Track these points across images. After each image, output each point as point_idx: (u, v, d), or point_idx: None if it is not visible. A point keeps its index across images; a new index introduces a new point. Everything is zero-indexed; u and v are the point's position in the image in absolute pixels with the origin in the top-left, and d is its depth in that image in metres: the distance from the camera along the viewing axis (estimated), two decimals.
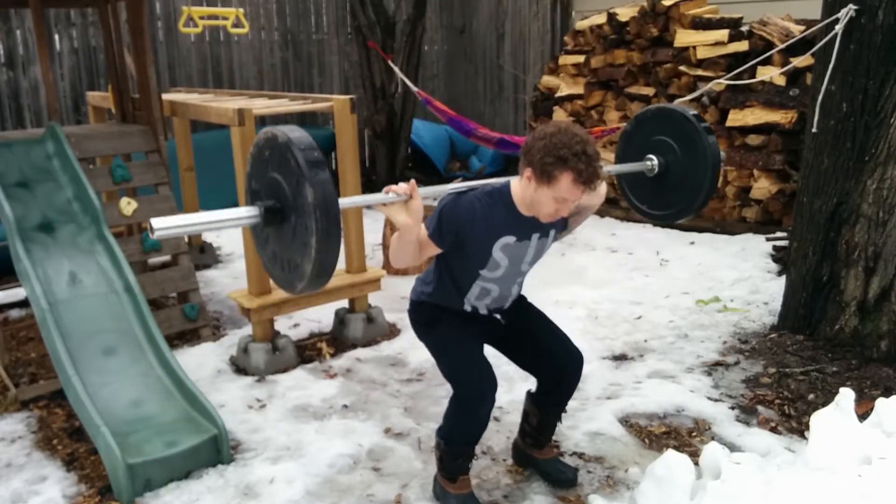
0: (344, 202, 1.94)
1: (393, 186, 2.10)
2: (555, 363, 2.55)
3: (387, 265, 5.15)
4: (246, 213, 1.92)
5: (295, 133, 1.85)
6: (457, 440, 2.46)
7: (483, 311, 2.46)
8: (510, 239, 2.28)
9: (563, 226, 2.46)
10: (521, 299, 2.60)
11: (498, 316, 2.51)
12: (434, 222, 2.23)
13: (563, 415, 2.71)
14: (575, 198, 2.13)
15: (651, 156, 2.66)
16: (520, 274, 2.43)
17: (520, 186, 2.24)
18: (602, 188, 2.40)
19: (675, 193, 2.66)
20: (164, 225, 1.77)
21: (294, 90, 7.76)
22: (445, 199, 2.27)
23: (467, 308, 2.44)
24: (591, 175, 2.09)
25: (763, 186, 5.61)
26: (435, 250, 2.28)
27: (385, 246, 5.22)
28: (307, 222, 1.79)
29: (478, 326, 2.48)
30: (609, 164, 2.59)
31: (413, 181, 2.11)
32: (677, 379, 3.44)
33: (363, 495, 2.65)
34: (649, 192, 2.75)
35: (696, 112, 2.63)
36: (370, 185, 7.42)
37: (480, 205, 2.24)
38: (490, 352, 2.50)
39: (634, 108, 6.38)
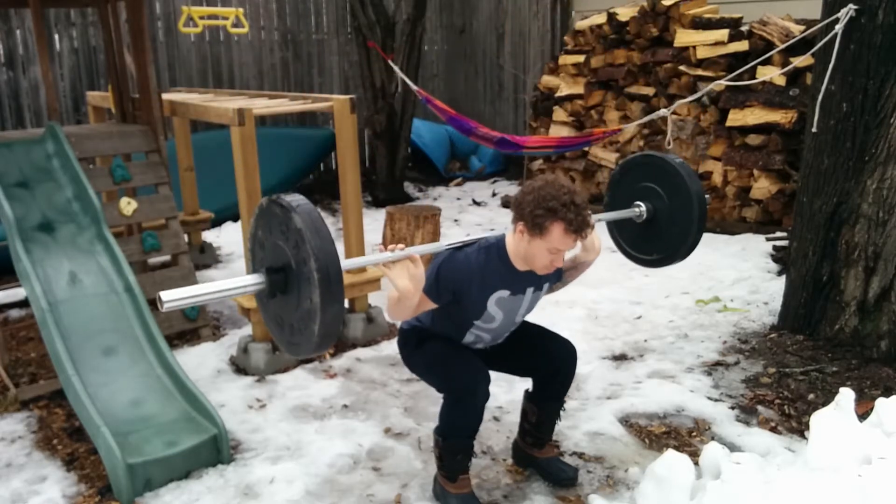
0: (346, 264, 1.97)
1: (390, 245, 2.15)
2: (549, 358, 2.58)
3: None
4: (252, 281, 1.95)
5: (297, 201, 1.88)
6: (454, 435, 2.47)
7: (480, 346, 2.52)
8: (504, 293, 2.34)
9: (557, 278, 2.52)
10: None
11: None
12: (431, 281, 2.27)
13: (562, 412, 2.72)
14: (567, 247, 2.20)
15: (639, 202, 2.73)
16: (513, 324, 2.50)
17: (513, 241, 2.29)
18: (598, 243, 2.49)
19: (663, 239, 2.74)
20: (173, 297, 1.79)
21: (294, 90, 7.76)
22: (442, 255, 2.32)
23: (466, 340, 2.50)
24: (581, 223, 2.16)
25: (763, 186, 5.61)
26: (431, 305, 2.33)
27: (385, 246, 5.22)
28: (311, 289, 1.81)
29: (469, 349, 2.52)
30: (598, 213, 2.66)
31: (416, 255, 2.14)
32: (677, 379, 3.44)
33: (363, 495, 2.65)
34: (639, 237, 2.82)
35: (681, 159, 2.71)
36: (370, 185, 7.42)
37: (476, 262, 2.30)
38: None
39: (634, 107, 6.39)
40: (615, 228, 2.90)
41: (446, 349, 2.46)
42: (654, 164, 2.73)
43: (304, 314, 1.87)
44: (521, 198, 2.22)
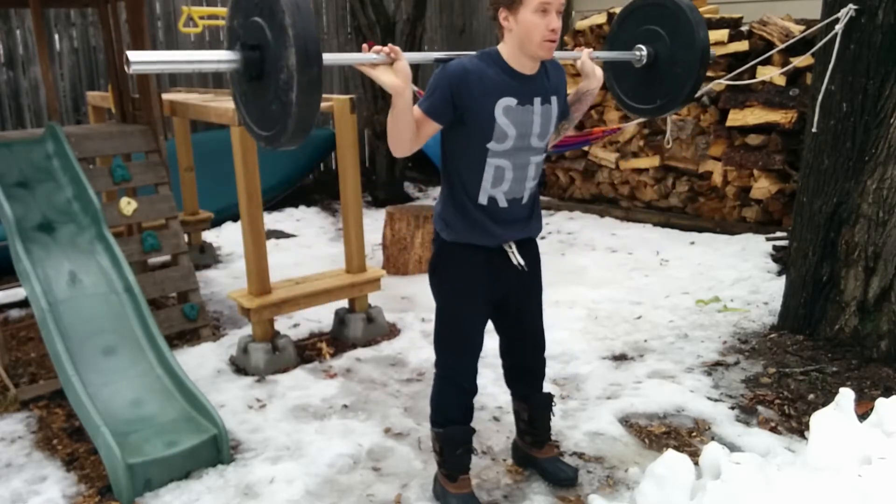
0: (328, 58, 1.85)
1: (375, 47, 2.05)
2: (531, 348, 2.60)
3: (387, 265, 5.16)
4: (226, 56, 1.83)
5: None
6: (448, 421, 2.47)
7: (503, 204, 2.31)
8: (511, 101, 2.20)
9: (563, 105, 2.40)
10: (535, 247, 2.50)
11: (517, 257, 2.37)
12: (427, 92, 2.18)
13: (555, 409, 2.72)
14: None
15: (641, 46, 2.62)
16: (531, 150, 2.30)
17: (505, 39, 2.21)
18: (598, 71, 2.41)
19: (661, 86, 2.62)
20: (141, 59, 1.69)
21: None
22: (436, 69, 2.23)
23: (483, 200, 2.30)
24: None
25: (763, 186, 5.61)
26: (433, 127, 2.20)
27: (385, 246, 5.23)
28: (287, 93, 1.71)
29: (489, 281, 2.38)
30: (597, 52, 2.54)
31: (392, 45, 2.05)
32: (677, 379, 3.44)
33: (363, 495, 2.65)
34: (636, 84, 2.71)
35: (693, 6, 2.57)
36: (370, 184, 7.42)
37: (471, 64, 2.19)
38: (492, 351, 2.50)
39: None
40: (611, 69, 2.78)
41: (462, 306, 2.39)
42: (665, 5, 2.58)
43: (279, 105, 1.76)
44: None
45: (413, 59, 2.10)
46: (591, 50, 2.46)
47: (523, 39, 2.15)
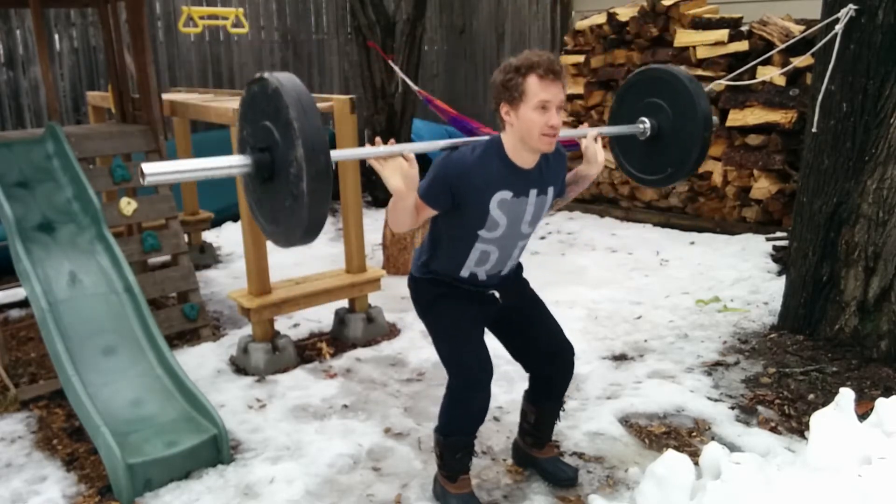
0: (336, 155, 1.89)
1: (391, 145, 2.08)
2: (546, 356, 2.55)
3: (387, 265, 5.16)
4: (238, 161, 1.86)
5: (286, 79, 1.78)
6: (455, 432, 2.45)
7: (482, 277, 2.41)
8: (507, 194, 2.24)
9: (560, 189, 2.43)
10: (522, 281, 2.57)
11: (496, 294, 2.46)
12: (428, 183, 2.21)
13: (561, 413, 2.71)
14: (552, 95, 2.12)
15: (644, 118, 2.64)
16: (520, 236, 2.37)
17: (506, 132, 2.23)
18: (600, 156, 2.42)
19: (666, 157, 2.64)
20: (155, 171, 1.72)
21: None
22: (437, 158, 2.25)
23: (465, 274, 2.39)
24: (550, 63, 2.11)
25: (763, 186, 5.61)
26: (431, 212, 2.26)
27: (385, 246, 5.23)
28: (298, 172, 1.73)
29: (476, 306, 2.44)
30: (601, 127, 2.58)
31: (412, 155, 2.08)
32: (677, 379, 3.44)
33: (363, 495, 2.65)
34: (642, 155, 2.72)
35: (688, 73, 2.60)
36: (370, 184, 7.42)
37: (473, 157, 2.22)
38: (492, 350, 2.49)
39: None
40: (616, 143, 2.81)
41: (459, 325, 2.41)
42: (664, 78, 2.62)
43: (289, 206, 1.79)
44: (492, 85, 2.22)
45: (421, 149, 2.16)
46: (596, 131, 2.49)
47: (524, 134, 2.18)
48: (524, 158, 2.24)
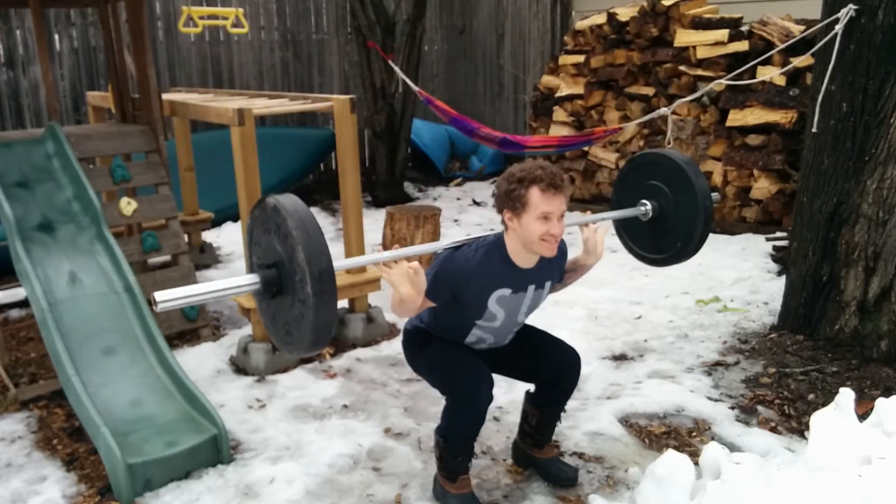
0: (343, 264, 2.00)
1: (393, 264, 2.16)
2: (552, 365, 2.57)
3: None
4: (247, 281, 1.97)
5: (284, 197, 1.90)
6: (455, 437, 2.46)
7: (481, 348, 2.52)
8: (506, 291, 2.34)
9: (558, 278, 2.52)
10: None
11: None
12: (430, 282, 2.27)
13: (562, 414, 2.71)
14: (554, 208, 2.20)
15: (645, 201, 2.72)
16: (516, 324, 2.49)
17: (508, 236, 2.31)
18: (600, 248, 2.51)
19: (669, 237, 2.73)
20: (168, 298, 1.82)
21: (294, 90, 7.76)
22: (441, 256, 2.34)
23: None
24: (553, 176, 2.19)
25: (763, 186, 5.61)
26: (432, 304, 2.34)
27: (385, 246, 5.22)
28: (303, 289, 1.83)
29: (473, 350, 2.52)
30: (603, 212, 2.68)
31: (416, 263, 2.16)
32: (677, 379, 3.44)
33: (363, 495, 2.65)
34: (645, 236, 2.81)
35: (687, 158, 2.69)
36: (370, 185, 7.42)
37: (475, 261, 2.30)
38: None
39: (634, 108, 6.39)
40: (622, 227, 2.89)
41: (450, 351, 2.46)
42: (660, 161, 2.72)
43: (298, 314, 1.88)
44: (496, 192, 2.30)
45: (424, 251, 2.29)
46: (598, 220, 2.56)
47: (525, 241, 2.26)
48: (525, 259, 2.32)
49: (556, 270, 2.46)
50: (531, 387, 2.70)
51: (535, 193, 2.18)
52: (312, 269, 1.80)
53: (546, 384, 2.62)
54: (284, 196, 1.93)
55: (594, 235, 2.50)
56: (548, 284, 2.46)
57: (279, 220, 1.88)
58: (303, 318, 1.86)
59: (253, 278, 1.97)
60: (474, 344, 2.50)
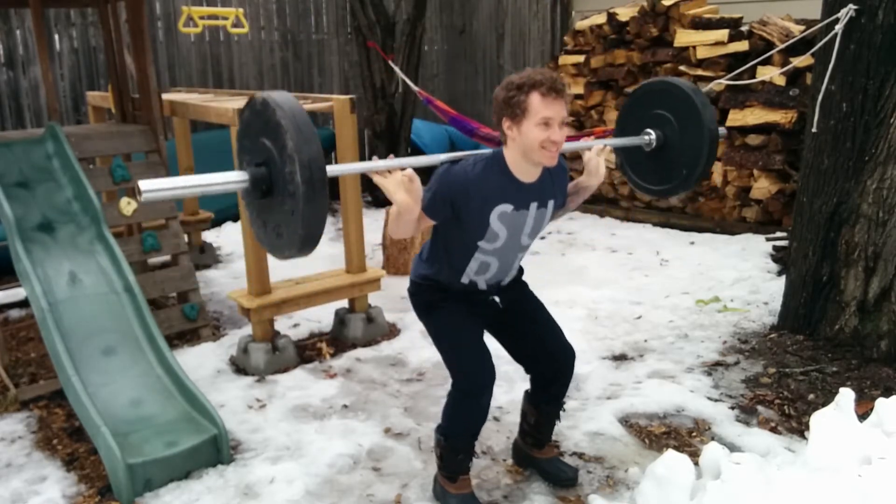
0: (333, 170, 1.92)
1: (387, 167, 2.10)
2: (547, 357, 2.56)
3: (387, 265, 5.16)
4: (235, 177, 1.90)
5: (277, 93, 1.83)
6: (457, 433, 2.46)
7: (482, 286, 2.43)
8: (507, 207, 2.26)
9: (561, 202, 2.45)
10: (521, 283, 2.58)
11: (496, 298, 2.48)
12: (429, 196, 2.21)
13: (561, 413, 2.71)
14: (555, 113, 2.13)
15: (649, 130, 2.66)
16: (520, 248, 2.40)
17: (508, 147, 2.25)
18: (601, 170, 2.44)
19: (672, 168, 2.65)
20: (152, 187, 1.75)
21: (294, 90, 7.76)
22: (439, 170, 2.26)
23: (465, 281, 2.41)
24: (553, 82, 2.13)
25: (763, 186, 5.61)
26: (431, 222, 2.28)
27: (385, 246, 5.22)
28: (293, 188, 1.77)
29: (476, 309, 2.46)
30: (606, 139, 2.59)
31: (411, 171, 2.11)
32: (677, 379, 3.44)
33: (363, 495, 2.65)
34: (647, 167, 2.74)
35: (695, 86, 2.61)
36: (370, 185, 7.41)
37: (474, 172, 2.23)
38: (492, 350, 2.49)
39: None
40: (625, 159, 2.82)
41: (460, 329, 2.42)
42: (666, 90, 2.64)
43: (288, 210, 1.82)
44: (494, 100, 2.23)
45: (422, 163, 2.18)
46: (601, 144, 2.50)
47: (525, 149, 2.19)
48: (526, 172, 2.26)
49: (558, 190, 2.39)
50: (529, 386, 2.69)
51: (535, 99, 2.12)
52: (302, 156, 1.74)
53: (540, 378, 2.62)
54: (274, 91, 1.87)
55: (596, 157, 2.46)
56: (550, 203, 2.37)
57: (269, 113, 1.81)
58: (293, 213, 1.80)
59: (241, 175, 1.90)
60: (479, 274, 2.39)
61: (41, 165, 3.68)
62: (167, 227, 4.11)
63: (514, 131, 2.18)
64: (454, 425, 2.46)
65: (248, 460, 2.87)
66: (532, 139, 2.15)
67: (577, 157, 6.88)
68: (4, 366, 3.58)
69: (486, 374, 2.38)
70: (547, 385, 2.62)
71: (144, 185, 1.74)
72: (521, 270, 2.56)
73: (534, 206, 2.32)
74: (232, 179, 1.90)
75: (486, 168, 2.25)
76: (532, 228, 2.37)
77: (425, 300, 2.48)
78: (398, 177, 2.09)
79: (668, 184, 2.71)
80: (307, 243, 1.86)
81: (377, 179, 2.10)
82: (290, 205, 1.81)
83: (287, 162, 1.78)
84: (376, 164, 2.08)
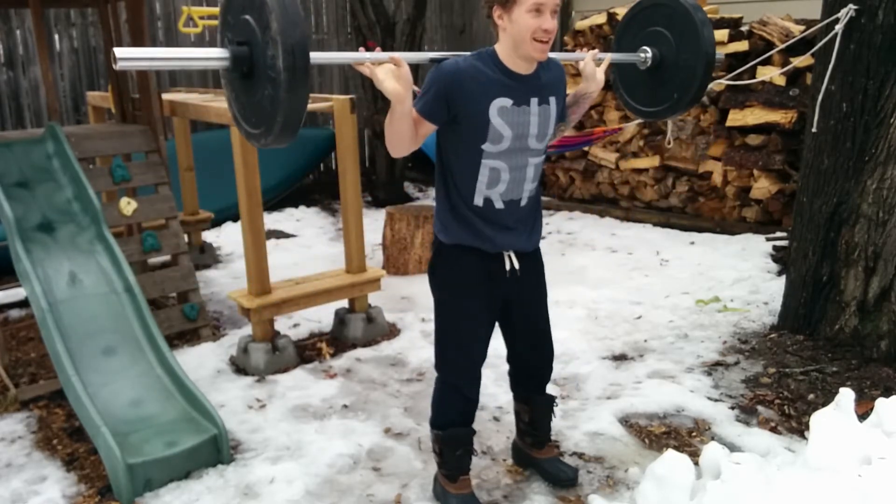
0: (317, 57, 1.86)
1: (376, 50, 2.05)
2: (529, 342, 2.57)
3: (387, 265, 5.16)
4: (215, 54, 1.83)
5: None
6: (445, 423, 2.47)
7: (499, 205, 2.29)
8: (506, 101, 2.19)
9: (561, 109, 2.38)
10: (539, 260, 2.49)
11: (513, 257, 2.36)
12: (422, 94, 2.17)
13: (555, 409, 2.72)
14: None
15: (646, 47, 2.62)
16: (529, 152, 2.28)
17: (500, 39, 2.20)
18: (599, 75, 2.39)
19: (667, 88, 2.61)
20: (129, 55, 1.70)
21: None
22: (430, 71, 2.22)
23: (479, 202, 2.28)
24: None
25: (763, 186, 5.61)
26: (429, 127, 2.20)
27: (385, 246, 5.23)
28: (275, 74, 1.71)
29: (486, 289, 2.37)
30: (602, 53, 2.52)
31: (398, 57, 2.03)
32: (677, 379, 3.44)
33: (363, 495, 2.65)
34: (642, 86, 2.70)
35: (695, 3, 2.55)
36: (370, 185, 7.42)
37: (466, 63, 2.19)
38: (493, 351, 2.50)
39: None
40: (619, 79, 2.77)
41: (458, 324, 2.40)
42: (666, 4, 2.57)
43: (268, 95, 1.76)
44: None
45: (408, 59, 2.10)
46: (595, 52, 2.45)
47: (517, 39, 2.15)
48: (519, 65, 2.21)
49: (557, 87, 2.32)
50: (509, 381, 2.72)
51: None
52: (286, 40, 1.67)
53: (518, 368, 2.64)
54: None
55: (591, 63, 2.40)
56: (552, 101, 2.29)
57: (261, 4, 1.73)
58: (273, 100, 1.74)
59: (222, 52, 1.82)
60: (492, 186, 2.26)
61: (41, 165, 3.68)
62: (167, 227, 4.11)
63: (505, 20, 2.15)
64: (439, 416, 2.48)
65: (248, 460, 2.87)
66: (523, 27, 2.11)
67: (577, 155, 6.89)
68: (4, 366, 3.58)
69: (463, 375, 2.40)
70: (524, 372, 2.64)
71: (120, 52, 1.68)
72: (538, 231, 2.45)
73: (534, 101, 2.25)
74: (212, 56, 1.84)
75: (478, 60, 2.20)
76: (538, 129, 2.27)
77: (441, 273, 2.40)
78: (387, 66, 2.03)
79: (659, 105, 2.66)
80: (285, 132, 1.79)
81: (365, 71, 2.04)
82: (270, 90, 1.74)
83: (270, 44, 1.71)
84: (364, 55, 2.03)
